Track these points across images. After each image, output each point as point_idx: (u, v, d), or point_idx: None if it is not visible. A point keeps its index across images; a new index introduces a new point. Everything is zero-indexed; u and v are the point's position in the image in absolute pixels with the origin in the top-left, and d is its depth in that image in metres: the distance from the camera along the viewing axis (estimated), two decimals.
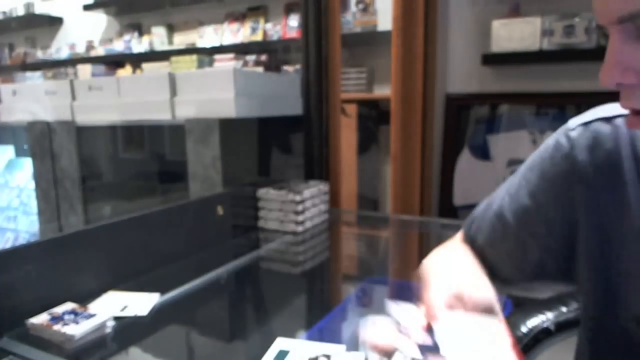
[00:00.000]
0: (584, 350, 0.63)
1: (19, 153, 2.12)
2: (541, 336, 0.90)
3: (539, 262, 0.62)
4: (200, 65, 3.13)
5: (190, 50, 3.26)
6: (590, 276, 0.57)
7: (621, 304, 0.54)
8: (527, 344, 0.90)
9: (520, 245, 0.63)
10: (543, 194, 0.60)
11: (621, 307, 0.54)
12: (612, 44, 0.43)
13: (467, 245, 0.70)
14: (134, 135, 1.67)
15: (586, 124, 0.58)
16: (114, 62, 3.70)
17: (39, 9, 3.99)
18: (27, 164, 1.96)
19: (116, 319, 0.83)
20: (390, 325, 0.48)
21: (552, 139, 0.61)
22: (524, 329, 0.92)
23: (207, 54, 3.18)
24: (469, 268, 0.61)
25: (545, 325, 0.91)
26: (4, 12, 4.12)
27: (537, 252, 0.62)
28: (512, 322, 0.94)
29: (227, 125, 1.32)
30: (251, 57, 3.04)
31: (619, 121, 0.56)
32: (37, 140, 1.78)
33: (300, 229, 1.39)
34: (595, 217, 0.56)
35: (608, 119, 0.57)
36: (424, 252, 0.80)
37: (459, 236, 0.74)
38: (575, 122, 0.60)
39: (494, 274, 0.63)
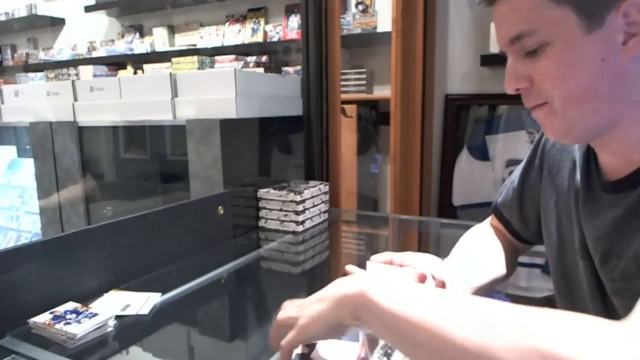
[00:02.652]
0: None
1: (21, 153, 2.13)
2: None
3: (537, 215, 0.77)
4: (201, 66, 3.14)
5: (191, 51, 3.27)
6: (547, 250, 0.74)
7: (570, 242, 0.67)
8: None
9: (522, 201, 0.79)
10: (534, 166, 0.77)
11: (570, 245, 0.67)
12: (509, 63, 0.57)
13: (493, 212, 0.87)
14: (135, 135, 1.68)
15: None
16: (115, 63, 3.71)
17: (41, 10, 4.00)
18: (29, 164, 1.97)
19: (118, 318, 0.84)
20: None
21: None
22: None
23: (208, 55, 3.20)
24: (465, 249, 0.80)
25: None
26: (7, 13, 4.14)
27: (534, 207, 0.77)
28: None
29: (228, 126, 1.33)
30: (252, 58, 3.05)
31: None
32: (39, 140, 1.80)
33: (300, 228, 1.40)
34: (546, 194, 0.73)
35: None
36: (423, 251, 0.81)
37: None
38: None
39: (509, 228, 0.83)
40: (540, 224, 0.77)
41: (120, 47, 3.67)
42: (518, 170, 0.81)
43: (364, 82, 2.58)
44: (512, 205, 0.81)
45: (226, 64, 3.08)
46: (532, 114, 0.59)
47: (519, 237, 0.83)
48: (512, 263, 0.80)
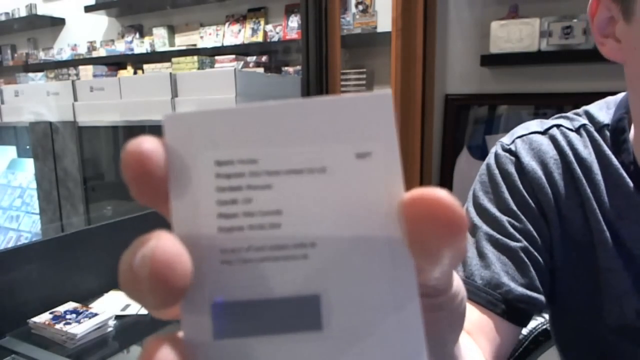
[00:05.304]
0: None
1: (21, 154, 2.13)
2: (541, 338, 0.90)
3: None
4: (201, 66, 3.14)
5: (191, 51, 3.27)
6: (565, 287, 0.57)
7: (595, 314, 0.54)
8: (528, 347, 0.91)
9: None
10: (512, 216, 0.55)
11: (595, 318, 0.54)
12: None
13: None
14: (135, 135, 1.68)
15: (522, 136, 0.59)
16: (115, 63, 3.71)
17: (41, 10, 4.00)
18: (29, 164, 1.97)
19: (118, 317, 0.84)
20: None
21: (488, 164, 0.59)
22: (524, 331, 0.93)
23: (208, 55, 3.20)
24: None
25: (545, 327, 0.92)
26: (7, 13, 4.14)
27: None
28: None
29: None
30: (252, 58, 3.05)
31: (553, 131, 0.58)
32: (39, 140, 1.80)
33: None
34: (560, 226, 0.55)
35: (542, 132, 0.59)
36: None
37: None
38: (507, 139, 0.60)
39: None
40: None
41: (120, 47, 3.67)
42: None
43: (364, 82, 2.58)
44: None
45: (226, 64, 3.08)
46: None
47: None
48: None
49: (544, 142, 0.57)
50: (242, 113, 0.16)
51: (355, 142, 0.16)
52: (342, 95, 0.17)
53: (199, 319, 0.16)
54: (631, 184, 0.52)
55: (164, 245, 0.15)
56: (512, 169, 0.57)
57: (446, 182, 2.11)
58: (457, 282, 0.21)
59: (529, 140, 0.58)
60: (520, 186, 0.55)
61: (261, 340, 0.15)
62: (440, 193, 0.16)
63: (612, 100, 0.59)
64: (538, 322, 0.91)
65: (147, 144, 0.16)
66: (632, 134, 0.54)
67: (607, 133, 0.56)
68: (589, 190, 0.54)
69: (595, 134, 0.56)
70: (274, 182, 0.16)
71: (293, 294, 0.16)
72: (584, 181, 0.54)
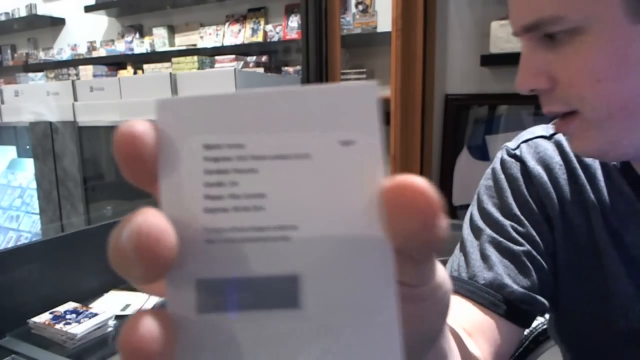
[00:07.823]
0: None
1: (21, 154, 2.13)
2: (541, 338, 0.90)
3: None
4: (201, 66, 3.14)
5: (191, 51, 3.27)
6: (569, 291, 0.57)
7: (600, 319, 0.54)
8: (528, 347, 0.90)
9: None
10: (515, 221, 0.55)
11: (600, 323, 0.55)
12: (523, 52, 0.45)
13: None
14: None
15: (527, 141, 0.59)
16: (115, 63, 3.71)
17: (41, 10, 4.00)
18: (29, 164, 1.97)
19: (118, 318, 0.84)
20: None
21: (494, 168, 0.60)
22: (524, 331, 0.92)
23: (208, 55, 3.20)
24: None
25: (545, 327, 0.91)
26: (7, 13, 4.14)
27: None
28: None
29: None
30: (252, 58, 3.05)
31: (559, 137, 0.58)
32: (39, 140, 1.80)
33: None
34: (564, 231, 0.55)
35: (547, 137, 0.59)
36: None
37: None
38: (513, 143, 0.60)
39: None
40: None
41: (120, 47, 3.67)
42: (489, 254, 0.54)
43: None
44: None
45: (226, 64, 3.08)
46: (556, 126, 0.48)
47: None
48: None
49: (550, 148, 0.58)
50: (232, 99, 0.17)
51: (339, 131, 0.17)
52: (329, 84, 0.17)
53: (183, 293, 0.16)
54: (631, 191, 0.52)
55: (150, 220, 0.15)
56: (517, 173, 0.57)
57: (446, 182, 2.11)
58: (442, 274, 0.21)
59: (534, 144, 0.58)
60: (525, 191, 0.55)
61: (242, 315, 0.16)
62: (415, 179, 0.16)
63: None
64: (538, 322, 0.90)
65: (139, 126, 0.17)
66: None
67: None
68: (593, 197, 0.54)
69: None
70: (259, 166, 0.17)
71: (273, 273, 0.16)
72: (589, 187, 0.54)
